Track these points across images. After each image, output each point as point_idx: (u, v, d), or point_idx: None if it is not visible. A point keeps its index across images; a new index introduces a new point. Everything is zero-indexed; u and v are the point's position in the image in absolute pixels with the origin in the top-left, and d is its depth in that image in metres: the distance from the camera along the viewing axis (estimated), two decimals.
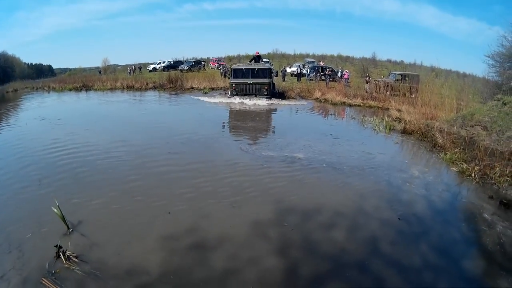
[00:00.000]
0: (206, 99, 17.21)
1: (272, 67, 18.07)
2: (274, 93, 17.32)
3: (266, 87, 16.13)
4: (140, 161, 6.76)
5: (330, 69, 25.69)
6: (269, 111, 14.22)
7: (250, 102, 15.56)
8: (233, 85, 16.40)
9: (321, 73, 23.80)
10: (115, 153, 7.32)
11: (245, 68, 16.56)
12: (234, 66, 17.42)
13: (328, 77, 22.75)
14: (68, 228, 3.88)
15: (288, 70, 29.21)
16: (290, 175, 6.18)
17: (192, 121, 11.64)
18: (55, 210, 3.93)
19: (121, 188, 5.32)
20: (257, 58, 17.83)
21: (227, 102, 16.00)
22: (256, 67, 16.43)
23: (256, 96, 16.16)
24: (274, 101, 16.25)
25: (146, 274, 3.17)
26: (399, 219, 4.66)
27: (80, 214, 4.30)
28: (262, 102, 15.61)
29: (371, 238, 4.11)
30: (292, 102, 16.74)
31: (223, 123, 11.67)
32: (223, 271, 3.31)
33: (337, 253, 3.74)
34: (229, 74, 17.67)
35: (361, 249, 3.85)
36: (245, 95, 16.20)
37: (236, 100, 15.95)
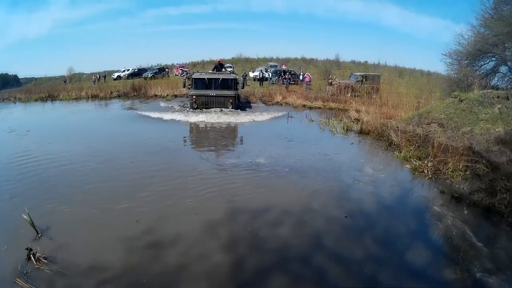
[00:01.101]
0: (156, 114, 13.67)
1: (237, 76, 15.71)
2: (239, 105, 14.94)
3: (231, 100, 13.88)
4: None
5: (292, 72, 25.49)
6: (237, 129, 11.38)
7: (212, 119, 12.48)
8: (194, 97, 13.89)
9: (283, 77, 23.45)
10: (80, 162, 7.09)
11: (207, 78, 14.14)
12: (195, 75, 14.83)
13: (288, 81, 22.33)
14: (37, 233, 4.09)
15: (251, 74, 28.54)
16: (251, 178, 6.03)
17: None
18: (25, 217, 4.13)
19: (84, 194, 5.35)
20: (219, 66, 15.96)
21: (182, 121, 12.53)
22: (220, 77, 14.18)
23: (220, 109, 13.79)
24: (241, 116, 13.19)
25: (108, 271, 3.37)
26: (345, 216, 4.48)
27: (48, 219, 4.45)
28: (228, 119, 12.63)
29: (317, 233, 4.10)
30: (259, 118, 13.28)
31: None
32: (176, 266, 3.49)
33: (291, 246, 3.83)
34: (188, 84, 15.14)
35: (306, 244, 3.86)
36: (206, 108, 13.84)
37: (193, 117, 12.81)
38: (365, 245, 3.81)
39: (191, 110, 13.98)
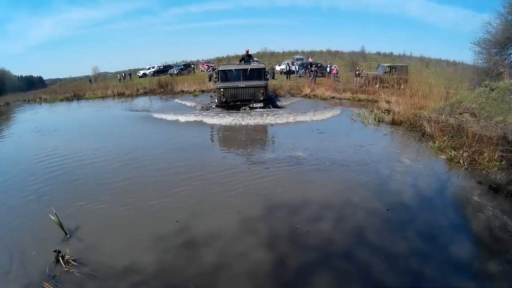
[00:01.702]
0: (171, 117, 12.57)
1: (265, 66, 14.46)
2: (270, 98, 14.25)
3: (262, 91, 12.77)
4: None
5: (318, 64, 25.55)
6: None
7: (247, 120, 11.24)
8: (221, 90, 12.82)
9: (310, 69, 23.64)
10: (107, 160, 7.28)
11: (235, 69, 13.40)
12: (221, 67, 14.18)
13: (315, 73, 22.33)
14: (66, 234, 4.05)
15: (277, 68, 28.80)
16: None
17: None
18: (53, 218, 4.11)
19: (114, 193, 5.40)
20: (247, 57, 14.83)
21: (208, 123, 11.37)
22: (249, 67, 13.34)
23: (248, 104, 12.80)
24: (276, 116, 11.76)
25: (141, 273, 3.31)
26: (387, 209, 4.57)
27: (77, 219, 4.45)
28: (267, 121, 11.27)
29: (360, 227, 4.12)
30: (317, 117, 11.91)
31: None
32: (214, 265, 3.41)
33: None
34: (215, 77, 14.19)
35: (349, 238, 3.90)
36: (235, 102, 12.84)
37: (223, 119, 11.54)
38: (408, 238, 3.84)
39: (216, 109, 13.19)
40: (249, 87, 12.86)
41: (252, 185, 5.54)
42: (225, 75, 13.43)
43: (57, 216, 4.11)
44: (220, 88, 12.97)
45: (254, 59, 14.95)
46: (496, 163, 5.97)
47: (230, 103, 12.93)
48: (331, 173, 6.06)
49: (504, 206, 4.57)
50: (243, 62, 14.80)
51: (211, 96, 16.23)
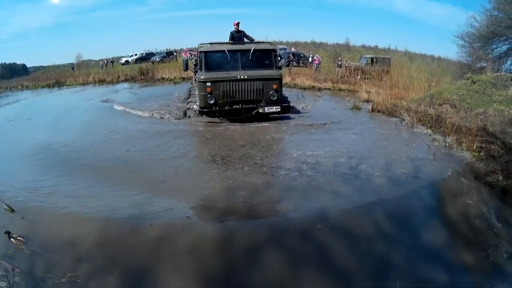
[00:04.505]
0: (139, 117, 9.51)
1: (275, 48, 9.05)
2: (285, 100, 8.71)
3: (275, 86, 8.02)
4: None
5: (301, 54, 25.35)
6: None
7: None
8: (208, 84, 7.67)
9: (292, 59, 23.30)
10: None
11: (229, 51, 8.06)
12: (205, 47, 8.32)
13: (292, 63, 21.90)
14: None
15: None
16: None
17: None
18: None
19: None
20: (238, 35, 8.97)
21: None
22: (251, 47, 8.25)
23: (257, 109, 7.89)
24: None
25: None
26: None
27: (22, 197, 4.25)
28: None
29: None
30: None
31: None
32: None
33: None
34: (195, 64, 9.20)
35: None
36: (232, 105, 7.88)
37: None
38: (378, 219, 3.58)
39: (198, 117, 8.35)
40: (254, 80, 7.88)
41: None
42: (212, 61, 8.09)
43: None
44: (204, 82, 7.72)
45: (250, 37, 9.04)
46: (475, 153, 5.74)
47: (223, 108, 7.85)
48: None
49: (482, 196, 4.33)
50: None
51: (189, 91, 11.99)
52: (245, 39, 8.98)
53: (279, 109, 8.03)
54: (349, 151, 5.81)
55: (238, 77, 7.79)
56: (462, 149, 5.90)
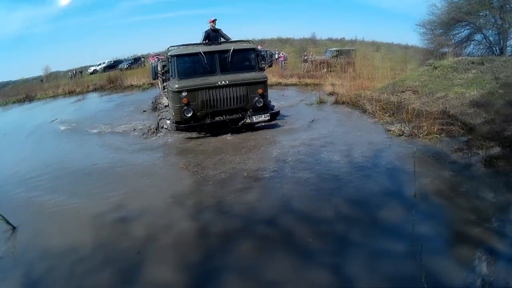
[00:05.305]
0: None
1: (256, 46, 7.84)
2: (269, 105, 7.61)
3: (260, 90, 7.03)
4: None
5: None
6: None
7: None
8: (183, 95, 6.53)
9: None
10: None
11: (204, 52, 6.81)
12: (176, 51, 7.11)
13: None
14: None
15: None
16: None
17: None
18: None
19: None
20: (215, 34, 7.77)
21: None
22: (230, 47, 7.02)
23: (243, 120, 6.80)
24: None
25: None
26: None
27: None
28: None
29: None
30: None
31: None
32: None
33: None
34: (163, 70, 7.81)
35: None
36: (214, 116, 6.81)
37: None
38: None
39: (173, 132, 7.12)
40: (236, 85, 6.82)
41: None
42: (185, 66, 6.92)
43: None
44: (179, 92, 6.55)
45: (227, 36, 7.88)
46: (436, 135, 5.65)
47: (203, 121, 6.72)
48: None
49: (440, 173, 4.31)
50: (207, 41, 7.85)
51: (155, 99, 11.05)
52: (221, 38, 7.81)
53: (268, 117, 6.98)
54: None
55: (218, 83, 6.66)
56: (420, 134, 5.76)
